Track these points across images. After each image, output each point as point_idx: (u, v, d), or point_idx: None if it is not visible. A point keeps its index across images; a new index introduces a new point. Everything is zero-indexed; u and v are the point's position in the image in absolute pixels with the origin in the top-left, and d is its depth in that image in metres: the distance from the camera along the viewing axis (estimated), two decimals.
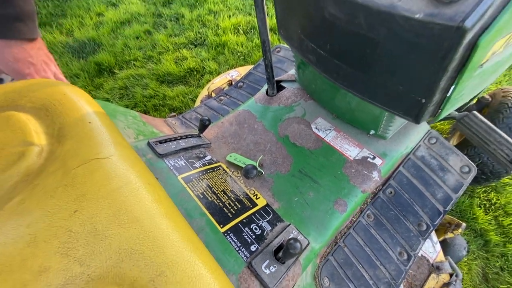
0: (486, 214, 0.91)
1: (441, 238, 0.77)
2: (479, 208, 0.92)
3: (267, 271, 0.39)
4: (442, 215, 0.60)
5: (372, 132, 0.61)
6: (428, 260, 0.68)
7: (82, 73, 1.37)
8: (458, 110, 0.91)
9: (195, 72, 1.35)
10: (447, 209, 0.60)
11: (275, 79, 0.73)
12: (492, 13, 0.27)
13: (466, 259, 0.85)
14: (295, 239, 0.39)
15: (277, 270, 0.40)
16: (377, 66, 0.38)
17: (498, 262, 0.84)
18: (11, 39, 0.41)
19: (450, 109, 0.43)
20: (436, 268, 0.67)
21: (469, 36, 0.27)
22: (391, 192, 0.62)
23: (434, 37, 0.28)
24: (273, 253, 0.42)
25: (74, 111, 0.31)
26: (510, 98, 0.82)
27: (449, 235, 0.76)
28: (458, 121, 0.64)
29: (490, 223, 0.90)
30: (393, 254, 0.58)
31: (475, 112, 0.61)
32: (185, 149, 0.55)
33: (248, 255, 0.40)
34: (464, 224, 0.74)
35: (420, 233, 0.60)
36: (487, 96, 0.89)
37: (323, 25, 0.39)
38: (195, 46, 1.48)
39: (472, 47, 0.28)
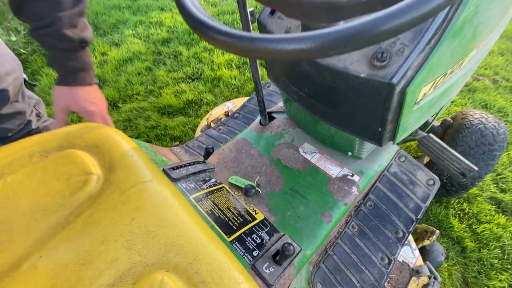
0: (461, 223, 1.02)
1: (420, 245, 0.86)
2: (454, 218, 1.03)
3: (267, 271, 0.48)
4: (414, 223, 0.70)
5: (349, 153, 0.73)
6: (408, 265, 0.77)
7: None
8: (423, 129, 1.05)
9: (193, 104, 1.48)
10: (418, 217, 0.70)
11: (267, 110, 0.86)
12: (412, 72, 0.39)
13: (446, 265, 0.94)
14: (289, 243, 0.48)
15: (275, 270, 0.49)
16: (343, 105, 0.50)
17: (475, 266, 0.93)
18: (77, 86, 0.54)
19: (403, 135, 0.56)
20: (416, 272, 0.75)
21: (398, 88, 0.39)
22: (371, 204, 0.72)
23: (375, 89, 0.40)
24: (271, 257, 0.51)
25: (118, 147, 0.41)
26: (467, 120, 0.96)
27: (426, 242, 0.85)
28: (419, 142, 0.77)
29: (465, 231, 1.00)
30: (376, 259, 0.67)
31: (431, 134, 0.74)
32: (194, 173, 0.64)
33: (251, 259, 0.49)
34: (437, 231, 0.84)
35: (397, 239, 0.69)
36: (449, 119, 1.04)
37: (301, 76, 0.52)
38: (193, 80, 1.63)
39: (403, 94, 0.41)
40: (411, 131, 0.61)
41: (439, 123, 1.05)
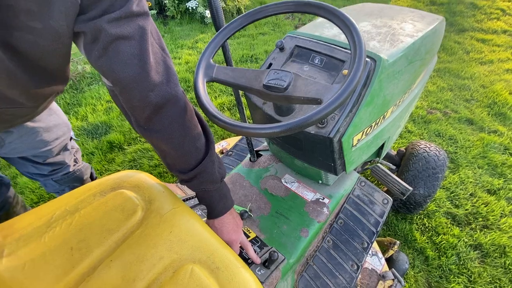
0: (422, 236, 1.21)
1: (386, 255, 1.03)
2: (417, 231, 1.22)
3: (259, 273, 0.65)
4: (375, 235, 0.89)
5: (320, 181, 0.93)
6: (376, 272, 0.94)
7: (96, 151, 1.66)
8: (386, 159, 1.29)
9: None
10: (378, 229, 0.89)
11: (255, 149, 1.07)
12: (343, 129, 0.62)
13: (413, 273, 1.10)
14: (275, 251, 0.66)
15: (265, 272, 0.66)
16: (307, 149, 0.72)
17: (437, 272, 1.10)
18: (222, 216, 0.61)
19: (352, 166, 0.77)
20: (382, 277, 0.93)
21: (335, 139, 0.61)
22: (341, 222, 0.91)
23: (322, 140, 0.62)
24: (262, 263, 0.68)
25: (152, 186, 0.60)
26: (415, 149, 1.20)
27: (390, 252, 1.03)
28: (371, 170, 0.99)
29: (427, 242, 1.19)
30: (347, 266, 0.84)
31: (379, 164, 0.97)
32: (199, 204, 0.83)
33: (248, 265, 0.66)
34: (398, 242, 1.03)
35: (363, 249, 0.87)
36: (403, 149, 1.28)
37: (287, 139, 0.75)
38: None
39: (340, 142, 0.63)
40: (360, 163, 0.83)
41: (395, 153, 1.29)
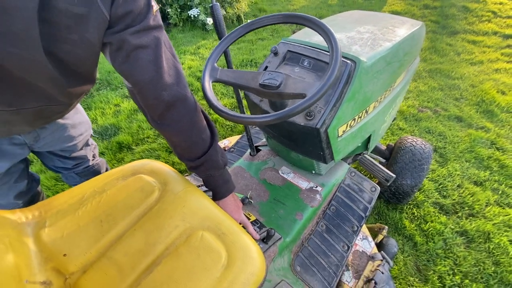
0: (411, 223, 1.30)
1: (376, 240, 1.12)
2: (406, 220, 1.31)
3: (259, 247, 0.74)
4: (364, 219, 0.98)
5: (313, 171, 1.03)
6: (366, 254, 1.03)
7: (106, 151, 1.77)
8: (375, 153, 1.39)
9: None
10: (366, 214, 0.99)
11: (254, 145, 1.17)
12: (328, 121, 0.72)
13: (402, 257, 1.19)
14: (272, 229, 0.76)
15: (263, 247, 0.75)
16: (298, 140, 0.82)
17: (424, 256, 1.19)
18: (224, 198, 0.71)
19: (340, 155, 0.87)
20: (371, 258, 1.02)
21: (321, 130, 0.72)
22: (334, 208, 1.01)
23: (310, 130, 0.73)
24: (261, 240, 0.78)
25: (167, 171, 0.71)
26: (403, 144, 1.30)
27: (380, 236, 1.12)
28: (359, 160, 1.09)
29: (415, 229, 1.28)
30: (338, 247, 0.93)
31: (365, 155, 1.07)
32: (207, 190, 0.93)
33: None
34: (386, 227, 1.12)
35: (353, 232, 0.97)
36: (392, 144, 1.38)
37: (270, 125, 0.85)
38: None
39: (326, 132, 0.73)
40: (347, 153, 0.92)
41: (385, 147, 1.39)
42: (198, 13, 3.03)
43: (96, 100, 2.21)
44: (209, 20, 3.03)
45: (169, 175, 0.70)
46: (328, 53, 0.77)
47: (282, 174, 1.06)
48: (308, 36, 0.88)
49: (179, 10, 3.24)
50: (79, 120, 0.88)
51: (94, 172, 1.03)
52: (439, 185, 1.46)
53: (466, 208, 1.35)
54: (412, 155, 1.23)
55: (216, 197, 0.73)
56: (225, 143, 1.51)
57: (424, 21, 3.37)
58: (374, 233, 1.16)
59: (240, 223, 0.76)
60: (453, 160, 1.59)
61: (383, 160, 1.37)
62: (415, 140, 1.29)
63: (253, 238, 0.79)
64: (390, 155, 1.37)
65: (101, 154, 1.75)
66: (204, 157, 0.67)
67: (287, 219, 0.91)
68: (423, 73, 2.40)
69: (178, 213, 0.60)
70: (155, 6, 0.57)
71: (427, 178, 1.50)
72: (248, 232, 0.77)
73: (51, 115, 0.71)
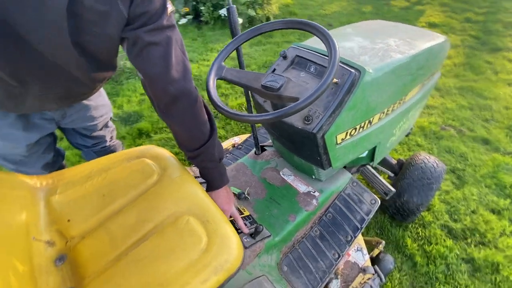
0: (414, 243, 1.25)
1: (372, 253, 1.10)
2: (409, 238, 1.27)
3: (245, 240, 0.78)
4: (359, 230, 0.97)
5: (313, 176, 1.04)
6: (358, 265, 1.02)
7: (127, 136, 1.90)
8: (384, 166, 1.36)
9: None
10: (362, 225, 0.98)
11: (261, 145, 1.20)
12: (326, 127, 0.73)
13: (399, 275, 1.16)
14: (262, 226, 0.79)
15: (250, 241, 0.78)
16: (297, 143, 0.84)
17: (423, 278, 1.15)
18: (218, 189, 0.76)
19: (338, 163, 0.87)
20: (363, 270, 1.01)
21: (318, 135, 0.73)
22: (330, 216, 1.01)
23: (307, 134, 0.74)
24: (249, 235, 0.81)
25: (168, 158, 0.76)
26: (414, 159, 1.26)
27: (376, 251, 1.10)
28: (361, 171, 1.08)
29: (417, 249, 1.23)
30: (329, 254, 0.94)
31: (367, 166, 1.06)
32: (203, 182, 0.98)
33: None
34: (383, 242, 1.10)
35: (346, 241, 0.96)
36: (403, 159, 1.34)
37: (275, 126, 0.87)
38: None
39: (323, 138, 0.75)
40: (347, 162, 0.92)
41: (395, 162, 1.35)
42: None
43: (125, 88, 2.37)
44: (239, 20, 3.10)
45: (169, 162, 0.75)
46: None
47: (282, 176, 1.08)
48: (318, 43, 0.89)
49: (211, 8, 3.35)
50: (101, 103, 0.97)
51: (110, 152, 1.12)
52: (451, 207, 1.40)
53: (477, 235, 1.28)
54: (422, 173, 1.19)
55: (209, 188, 0.78)
56: (236, 140, 1.55)
57: (463, 36, 3.19)
58: (371, 247, 1.14)
59: (230, 216, 0.80)
60: (471, 184, 1.51)
61: (392, 175, 1.33)
62: (427, 157, 1.25)
63: (243, 231, 0.82)
64: (400, 170, 1.33)
65: (122, 138, 1.88)
66: (201, 149, 0.71)
67: (279, 219, 0.93)
68: (453, 90, 2.28)
69: (171, 197, 0.65)
70: (170, 8, 0.62)
71: (439, 198, 1.43)
72: (238, 225, 0.81)
73: (77, 95, 0.80)
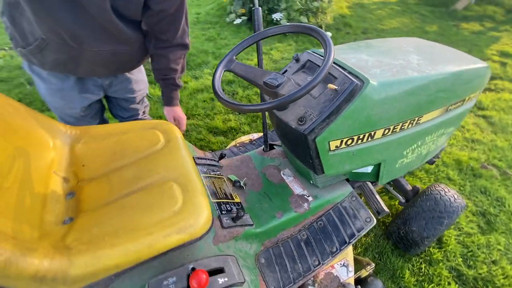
0: (412, 277, 1.17)
1: (359, 274, 1.06)
2: (408, 271, 1.18)
3: (225, 220, 0.83)
4: (347, 244, 0.96)
5: (311, 181, 1.05)
6: (339, 279, 1.00)
7: (164, 117, 2.10)
8: (398, 191, 1.28)
9: (233, 130, 1.97)
10: (351, 241, 0.96)
11: (270, 143, 1.25)
12: (318, 131, 0.76)
13: None
14: (245, 213, 0.84)
15: (230, 223, 0.84)
16: (293, 142, 0.87)
17: None
18: (173, 106, 1.08)
19: (331, 170, 0.88)
20: (342, 285, 0.99)
21: (309, 137, 0.76)
22: (321, 224, 1.01)
23: (300, 135, 0.77)
24: (231, 218, 0.87)
25: (174, 133, 0.87)
26: (430, 189, 1.17)
27: (364, 272, 1.06)
28: (361, 189, 1.05)
29: (414, 284, 1.15)
30: (310, 259, 0.94)
31: (367, 182, 1.02)
32: (208, 164, 1.06)
33: (220, 214, 0.85)
34: (373, 264, 1.06)
35: (331, 252, 0.96)
36: (419, 186, 1.25)
37: (277, 125, 0.92)
38: (239, 114, 2.15)
39: (315, 141, 0.77)
40: (342, 171, 0.92)
41: (411, 188, 1.27)
42: (281, 18, 3.21)
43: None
44: None
45: (174, 137, 0.86)
46: (341, 69, 0.80)
47: (282, 175, 1.11)
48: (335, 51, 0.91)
49: (266, 11, 3.49)
50: (140, 79, 1.14)
51: None
52: (469, 252, 1.26)
53: (490, 287, 1.13)
54: (434, 204, 1.11)
55: (168, 104, 1.13)
56: (254, 136, 1.62)
57: None
58: (360, 266, 1.10)
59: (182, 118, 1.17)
60: (500, 232, 1.33)
61: (402, 200, 1.26)
62: (446, 189, 1.15)
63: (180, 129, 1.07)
64: (414, 196, 1.25)
65: (159, 117, 2.10)
66: (171, 76, 1.05)
67: (266, 213, 0.97)
68: (510, 127, 2.01)
69: (165, 164, 0.75)
70: None
71: (456, 239, 1.30)
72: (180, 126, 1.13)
73: (120, 60, 0.95)
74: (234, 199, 0.98)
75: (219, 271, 0.69)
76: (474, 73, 0.95)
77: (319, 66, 0.85)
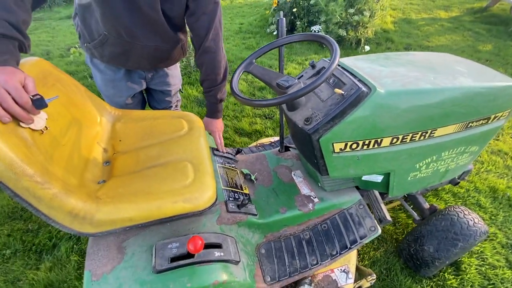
0: None
1: (358, 282, 1.05)
2: None
3: (231, 206, 0.92)
4: (347, 249, 0.98)
5: (319, 184, 1.09)
6: (337, 284, 1.02)
7: (198, 115, 2.29)
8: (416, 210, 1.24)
9: (258, 133, 2.07)
10: (352, 246, 0.98)
11: (287, 145, 1.32)
12: (322, 131, 0.81)
13: None
14: (250, 203, 0.92)
15: (235, 209, 0.92)
16: (299, 141, 0.93)
17: None
18: (216, 119, 1.19)
19: (335, 173, 0.91)
20: None
21: (313, 137, 0.81)
22: (325, 227, 1.05)
23: (305, 134, 0.83)
24: (237, 205, 0.95)
25: (197, 124, 0.99)
26: (448, 210, 1.12)
27: (364, 281, 1.05)
28: (367, 196, 1.05)
29: None
30: (308, 258, 0.98)
31: (374, 191, 1.02)
32: (225, 157, 1.17)
33: (227, 199, 0.94)
34: (374, 276, 1.04)
35: (331, 255, 0.99)
36: (437, 206, 1.20)
37: (288, 125, 0.99)
38: (266, 118, 2.25)
39: (319, 142, 0.82)
40: (346, 175, 0.94)
41: (428, 206, 1.22)
42: (319, 30, 3.27)
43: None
44: None
45: (197, 127, 0.98)
46: (350, 76, 0.85)
47: (293, 175, 1.17)
48: (350, 60, 0.96)
49: (306, 24, 3.58)
50: (176, 74, 1.31)
51: None
52: (490, 284, 1.16)
53: None
54: (450, 225, 1.06)
55: (209, 116, 1.19)
56: (275, 139, 1.70)
57: None
58: (362, 276, 1.09)
59: (216, 131, 1.20)
60: None
61: (417, 218, 1.22)
62: (466, 212, 1.10)
63: (218, 148, 1.15)
64: (430, 213, 1.20)
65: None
66: (212, 89, 1.11)
67: (271, 207, 1.03)
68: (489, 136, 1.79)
69: (184, 147, 0.87)
70: None
71: (477, 269, 1.21)
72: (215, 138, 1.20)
73: (162, 56, 1.12)
74: (243, 190, 1.06)
75: (217, 246, 0.78)
76: (500, 91, 0.91)
77: (331, 73, 0.91)
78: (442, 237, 1.05)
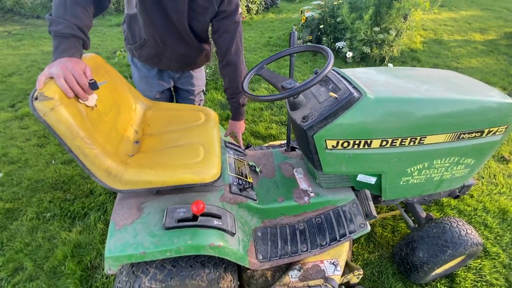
0: None
1: (345, 276, 1.12)
2: None
3: (233, 189, 1.06)
4: (336, 241, 1.07)
5: (317, 180, 1.19)
6: (324, 273, 1.10)
7: (220, 116, 2.49)
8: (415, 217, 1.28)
9: (272, 137, 2.21)
10: (341, 239, 1.07)
11: (292, 145, 1.44)
12: (316, 128, 0.93)
13: None
14: (252, 190, 1.06)
15: (237, 192, 1.06)
16: (299, 138, 1.05)
17: None
18: (238, 121, 1.33)
19: (328, 169, 1.02)
20: (325, 278, 1.09)
21: (308, 133, 0.93)
22: (319, 220, 1.14)
23: (301, 130, 0.96)
24: (239, 189, 1.08)
25: (213, 116, 1.16)
26: (442, 219, 1.16)
27: (351, 275, 1.11)
28: (358, 195, 1.13)
29: None
30: (299, 245, 1.09)
31: (365, 190, 1.10)
32: (235, 149, 1.32)
33: (232, 183, 1.08)
34: (362, 271, 1.11)
35: (320, 245, 1.08)
36: (433, 215, 1.24)
37: (292, 127, 1.12)
38: (282, 124, 2.38)
39: (313, 137, 0.94)
40: (339, 171, 1.04)
41: (425, 215, 1.26)
42: (343, 46, 3.38)
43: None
44: (349, 54, 3.31)
45: (212, 119, 1.15)
46: (346, 83, 0.96)
47: (294, 172, 1.28)
48: (351, 70, 1.08)
49: (332, 40, 3.72)
50: (200, 77, 1.50)
51: None
52: None
53: None
54: (441, 232, 1.10)
55: (233, 118, 1.32)
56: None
57: None
58: (350, 271, 1.16)
59: (239, 132, 1.34)
60: None
61: (412, 224, 1.26)
62: (459, 222, 1.13)
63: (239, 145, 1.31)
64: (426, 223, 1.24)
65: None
66: (234, 96, 1.25)
67: (270, 196, 1.16)
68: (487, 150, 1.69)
69: (199, 133, 1.04)
70: (240, 9, 1.08)
71: (472, 283, 1.21)
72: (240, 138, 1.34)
73: (189, 61, 1.32)
74: (247, 179, 1.20)
75: (217, 216, 0.92)
76: (493, 106, 0.97)
77: (331, 81, 1.04)
78: (432, 242, 1.09)
